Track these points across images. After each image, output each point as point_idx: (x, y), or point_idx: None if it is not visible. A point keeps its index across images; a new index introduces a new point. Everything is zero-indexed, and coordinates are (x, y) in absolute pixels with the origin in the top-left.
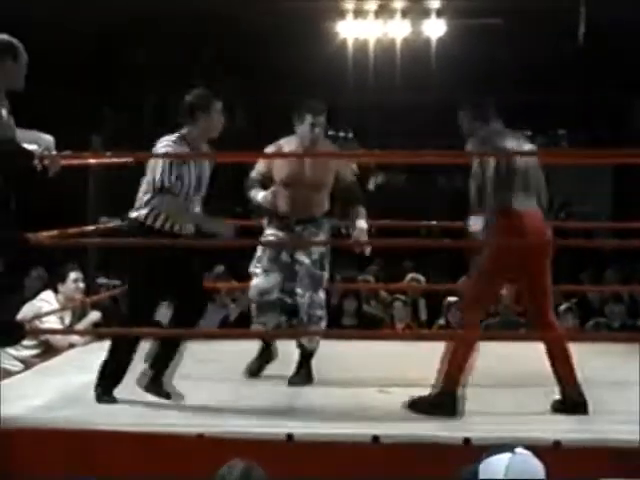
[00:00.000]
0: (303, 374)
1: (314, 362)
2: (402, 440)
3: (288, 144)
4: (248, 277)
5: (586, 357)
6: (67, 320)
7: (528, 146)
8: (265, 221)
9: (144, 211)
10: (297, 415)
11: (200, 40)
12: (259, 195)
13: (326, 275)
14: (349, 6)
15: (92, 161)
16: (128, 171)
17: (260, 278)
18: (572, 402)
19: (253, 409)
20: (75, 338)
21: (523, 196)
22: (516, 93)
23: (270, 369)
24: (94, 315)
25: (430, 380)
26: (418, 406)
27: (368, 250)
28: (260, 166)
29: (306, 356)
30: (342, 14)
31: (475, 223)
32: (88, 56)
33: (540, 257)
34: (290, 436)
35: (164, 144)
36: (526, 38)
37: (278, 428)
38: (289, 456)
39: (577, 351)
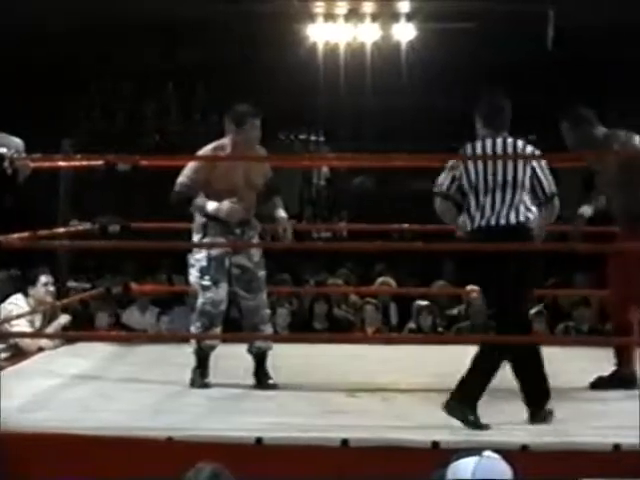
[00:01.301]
0: (267, 375)
1: (286, 366)
2: (371, 444)
3: (222, 150)
4: None
5: (558, 361)
6: (37, 323)
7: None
8: (198, 228)
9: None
10: (266, 418)
11: (172, 45)
12: (212, 205)
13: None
14: (319, 10)
15: (62, 164)
16: (98, 175)
17: (213, 290)
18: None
19: (222, 412)
20: (44, 342)
21: None
22: (486, 97)
23: (238, 373)
24: (64, 318)
25: (400, 384)
26: None
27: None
28: (196, 174)
29: (263, 357)
30: (312, 17)
31: None
32: (60, 58)
33: None
34: (259, 440)
35: None
36: (496, 42)
37: (247, 432)
38: (258, 460)
39: (548, 355)
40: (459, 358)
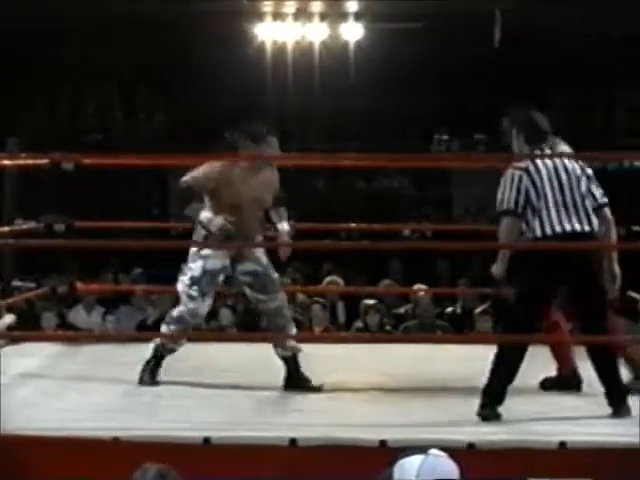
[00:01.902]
0: (307, 378)
1: (233, 365)
2: (319, 442)
3: (237, 165)
4: (166, 281)
5: None
6: None
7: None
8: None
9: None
10: (214, 418)
11: (117, 42)
12: (205, 214)
13: None
14: (267, 8)
15: (7, 162)
16: (43, 173)
17: (198, 302)
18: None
19: (170, 412)
20: None
21: None
22: (434, 97)
23: (187, 372)
24: (9, 318)
25: (348, 383)
26: None
27: (286, 254)
28: (204, 179)
29: (296, 360)
30: (260, 16)
31: None
32: (2, 57)
33: None
34: (207, 439)
35: None
36: (443, 42)
37: (195, 431)
38: (206, 460)
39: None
40: (406, 357)
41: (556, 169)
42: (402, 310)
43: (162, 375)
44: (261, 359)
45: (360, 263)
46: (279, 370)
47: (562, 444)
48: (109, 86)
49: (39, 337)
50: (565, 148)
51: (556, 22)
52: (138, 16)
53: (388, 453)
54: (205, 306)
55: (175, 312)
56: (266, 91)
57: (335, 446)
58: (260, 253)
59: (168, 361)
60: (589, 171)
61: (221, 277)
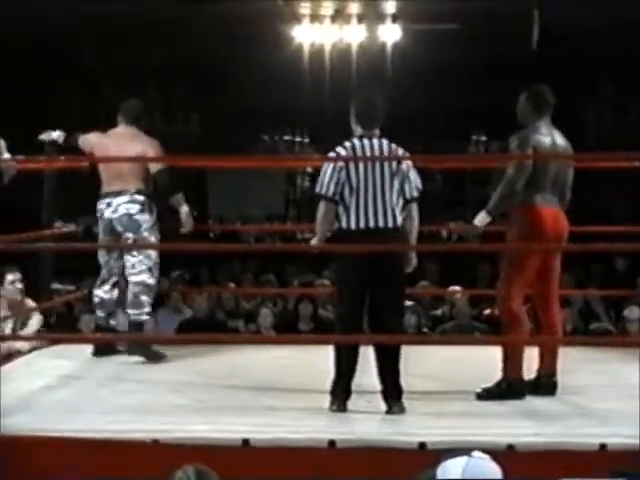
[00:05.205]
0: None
1: (271, 367)
2: (358, 445)
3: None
4: (203, 282)
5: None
6: (9, 325)
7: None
8: (145, 207)
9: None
10: (253, 420)
11: (152, 42)
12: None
13: None
14: (305, 10)
15: (46, 165)
16: (81, 176)
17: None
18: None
19: (209, 413)
20: (20, 344)
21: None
22: (472, 98)
23: (223, 374)
24: (36, 320)
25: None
26: None
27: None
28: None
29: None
30: (298, 18)
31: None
32: (39, 58)
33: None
34: (246, 441)
35: None
36: (481, 43)
37: (234, 433)
38: (245, 461)
39: (532, 355)
40: (443, 359)
41: (373, 169)
42: (439, 312)
43: (198, 377)
44: (297, 360)
45: None
46: (317, 372)
47: (603, 446)
48: (147, 87)
49: (77, 339)
50: (384, 141)
51: (595, 21)
52: (175, 16)
53: (427, 455)
54: None
55: (150, 281)
56: (303, 93)
57: (373, 448)
58: None
59: (197, 361)
60: (404, 166)
61: None
